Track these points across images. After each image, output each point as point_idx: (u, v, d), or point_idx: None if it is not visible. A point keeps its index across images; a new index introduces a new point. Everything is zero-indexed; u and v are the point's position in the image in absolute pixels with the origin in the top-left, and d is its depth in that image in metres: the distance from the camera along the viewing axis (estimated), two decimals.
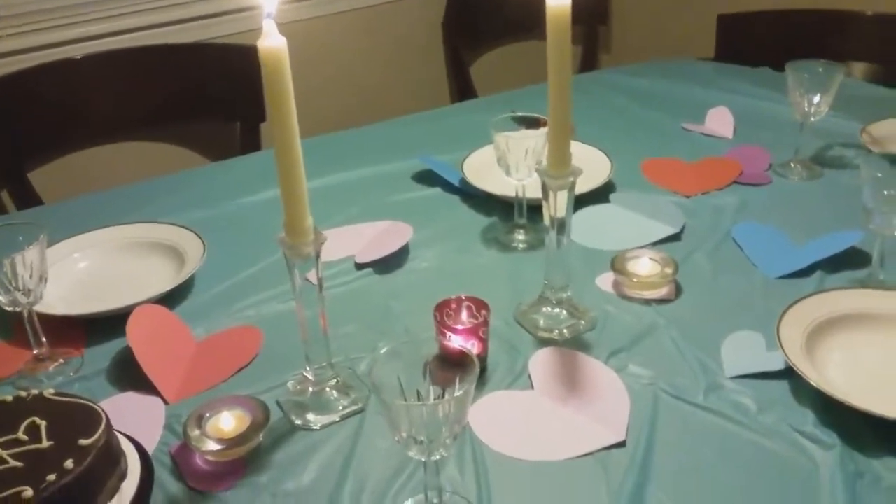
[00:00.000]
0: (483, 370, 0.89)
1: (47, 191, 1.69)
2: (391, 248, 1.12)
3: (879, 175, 0.90)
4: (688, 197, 1.24)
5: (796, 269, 1.03)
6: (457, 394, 0.64)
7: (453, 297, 0.90)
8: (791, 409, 0.81)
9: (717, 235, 1.14)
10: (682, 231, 1.15)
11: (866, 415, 0.76)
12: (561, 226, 0.92)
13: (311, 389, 0.84)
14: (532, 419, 0.82)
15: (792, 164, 1.30)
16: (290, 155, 0.74)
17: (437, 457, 0.65)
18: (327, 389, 0.85)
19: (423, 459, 0.65)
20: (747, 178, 1.28)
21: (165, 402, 0.87)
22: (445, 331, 0.87)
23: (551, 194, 0.89)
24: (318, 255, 0.79)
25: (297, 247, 0.77)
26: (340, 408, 0.83)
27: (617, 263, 1.03)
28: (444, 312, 0.89)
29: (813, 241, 1.09)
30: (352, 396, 0.85)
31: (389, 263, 1.11)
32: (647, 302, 1.00)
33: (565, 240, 0.93)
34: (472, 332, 0.87)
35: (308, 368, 0.84)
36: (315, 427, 0.82)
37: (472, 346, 0.88)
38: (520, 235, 1.15)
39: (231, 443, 0.78)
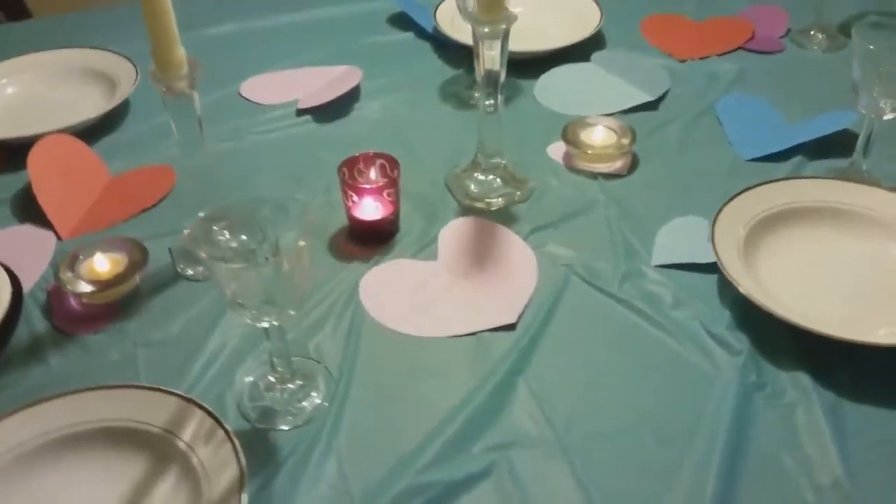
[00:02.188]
0: (392, 234, 0.83)
1: None
2: (335, 94, 1.03)
3: (872, 48, 0.75)
4: (682, 61, 1.10)
5: (773, 151, 0.91)
6: (278, 258, 0.57)
7: (362, 153, 0.82)
8: (710, 307, 0.73)
9: (699, 107, 1.01)
10: (661, 99, 1.02)
11: (786, 323, 0.66)
12: (492, 82, 0.81)
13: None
14: (425, 292, 0.76)
15: (812, 32, 1.13)
16: None
17: (267, 323, 0.60)
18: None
19: (257, 325, 0.60)
20: (757, 44, 1.13)
21: (59, 238, 0.84)
22: (349, 191, 0.80)
23: (480, 44, 0.78)
24: (194, 92, 0.71)
25: (169, 82, 0.70)
26: None
27: (569, 132, 0.92)
28: (353, 169, 0.82)
29: (804, 121, 0.95)
30: None
31: (333, 111, 1.03)
32: (595, 176, 0.90)
33: (498, 99, 0.83)
34: (377, 192, 0.80)
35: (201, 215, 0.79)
36: (197, 278, 0.78)
37: (378, 209, 0.81)
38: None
39: (102, 285, 0.75)
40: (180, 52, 0.69)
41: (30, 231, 0.85)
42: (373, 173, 0.82)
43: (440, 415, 0.64)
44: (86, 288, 0.74)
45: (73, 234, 0.84)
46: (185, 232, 0.82)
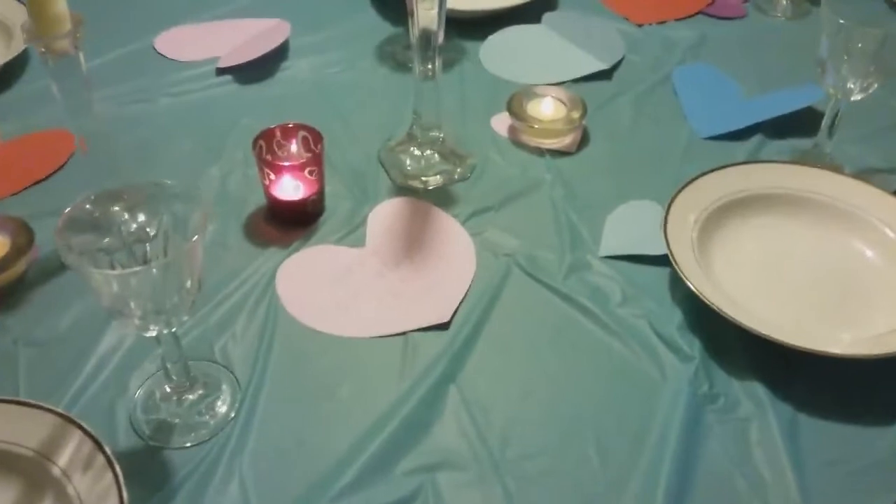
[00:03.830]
0: (315, 216, 0.74)
1: None
2: (260, 52, 0.94)
3: (842, 22, 0.69)
4: (639, 26, 1.03)
5: (732, 129, 0.84)
6: (159, 261, 0.49)
7: (280, 124, 0.73)
8: (660, 305, 0.67)
9: (655, 76, 0.93)
10: (615, 67, 0.95)
11: (740, 327, 0.61)
12: (429, 44, 0.73)
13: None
14: (350, 283, 0.68)
15: None
16: None
17: (155, 332, 0.52)
18: None
19: (144, 334, 0.52)
20: (717, 9, 1.05)
21: None
22: (266, 168, 0.71)
23: (415, 0, 0.70)
24: (80, 52, 0.61)
25: (49, 41, 0.59)
26: None
27: (514, 103, 0.85)
28: (271, 143, 0.73)
29: (765, 95, 0.89)
30: None
31: (257, 71, 0.93)
32: (542, 153, 0.83)
33: (437, 63, 0.74)
34: (298, 169, 0.71)
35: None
36: None
37: (299, 188, 0.72)
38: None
39: None
40: (62, 6, 0.59)
41: None
42: (294, 147, 0.73)
43: (361, 429, 0.58)
44: None
45: None
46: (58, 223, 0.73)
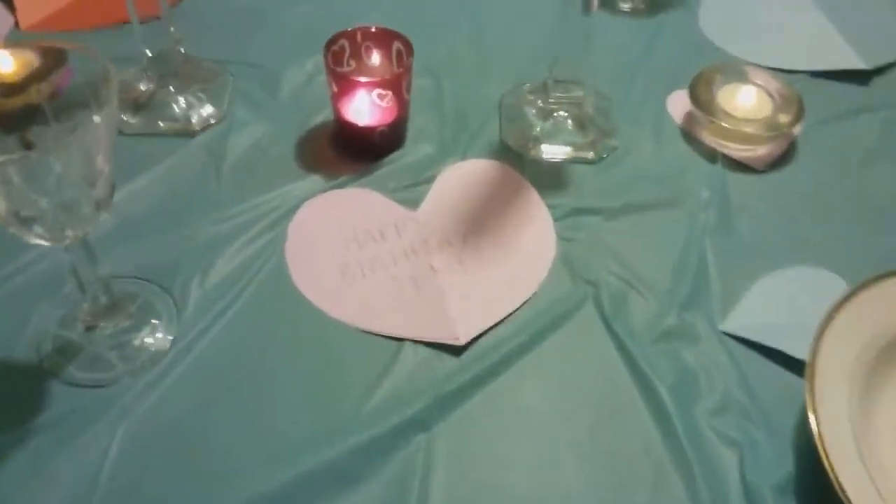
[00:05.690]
0: (384, 151, 0.58)
1: None
2: None
3: None
4: None
5: None
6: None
7: (361, 26, 0.56)
8: (770, 437, 0.43)
9: None
10: (879, 72, 0.67)
11: None
12: None
13: None
14: (373, 250, 0.52)
15: None
16: None
17: (67, 240, 0.40)
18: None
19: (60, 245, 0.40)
20: None
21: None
22: (333, 79, 0.55)
23: None
24: None
25: None
26: None
27: (701, 84, 0.61)
28: (353, 44, 0.57)
29: None
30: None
31: None
32: (716, 157, 0.59)
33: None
34: (376, 86, 0.55)
35: None
36: None
37: (371, 111, 0.56)
38: None
39: None
40: None
41: None
42: (375, 57, 0.57)
43: (288, 442, 0.43)
44: None
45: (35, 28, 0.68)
46: None
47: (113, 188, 0.40)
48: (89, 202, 0.38)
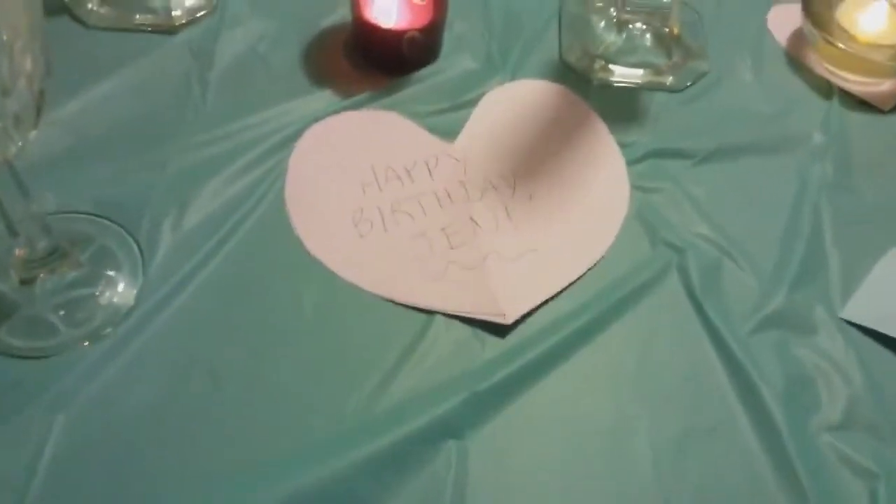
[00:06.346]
0: (414, 64, 0.46)
1: None
2: None
3: None
4: None
5: None
6: None
7: None
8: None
9: None
10: None
11: None
12: None
13: None
14: (395, 192, 0.41)
15: None
16: None
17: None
18: None
19: None
20: None
21: None
22: None
23: None
24: None
25: None
26: None
27: None
28: None
29: None
30: None
31: None
32: (831, 92, 0.47)
33: None
34: None
35: None
36: None
37: (395, 14, 0.44)
38: None
39: None
40: None
41: None
42: None
43: (284, 438, 0.33)
44: None
45: None
46: None
47: (41, 96, 0.29)
48: (2, 115, 0.27)
